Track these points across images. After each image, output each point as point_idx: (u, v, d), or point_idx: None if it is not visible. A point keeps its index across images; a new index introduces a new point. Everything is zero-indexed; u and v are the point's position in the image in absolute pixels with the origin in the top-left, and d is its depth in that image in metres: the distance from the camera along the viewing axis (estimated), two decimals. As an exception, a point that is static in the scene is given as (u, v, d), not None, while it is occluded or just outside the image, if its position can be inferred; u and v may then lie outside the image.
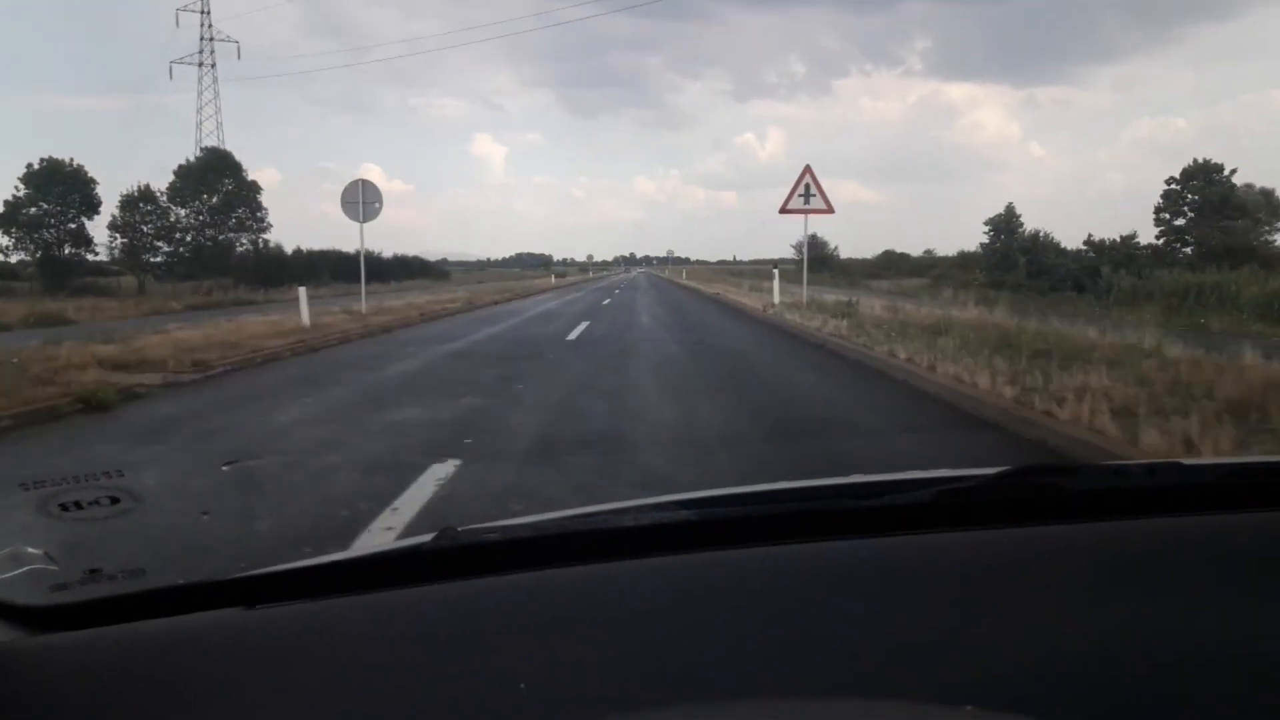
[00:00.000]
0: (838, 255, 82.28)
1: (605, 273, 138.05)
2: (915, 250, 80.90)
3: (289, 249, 49.94)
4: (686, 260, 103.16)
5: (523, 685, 0.71)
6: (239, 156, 45.61)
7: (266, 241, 45.88)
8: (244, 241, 44.35)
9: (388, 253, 60.05)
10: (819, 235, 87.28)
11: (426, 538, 0.95)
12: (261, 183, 46.82)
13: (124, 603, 0.87)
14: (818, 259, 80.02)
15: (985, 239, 39.68)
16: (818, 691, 0.71)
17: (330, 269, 47.00)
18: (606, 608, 0.85)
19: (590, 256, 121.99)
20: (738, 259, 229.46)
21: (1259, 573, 0.91)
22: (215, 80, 60.98)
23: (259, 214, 44.78)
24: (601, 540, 0.99)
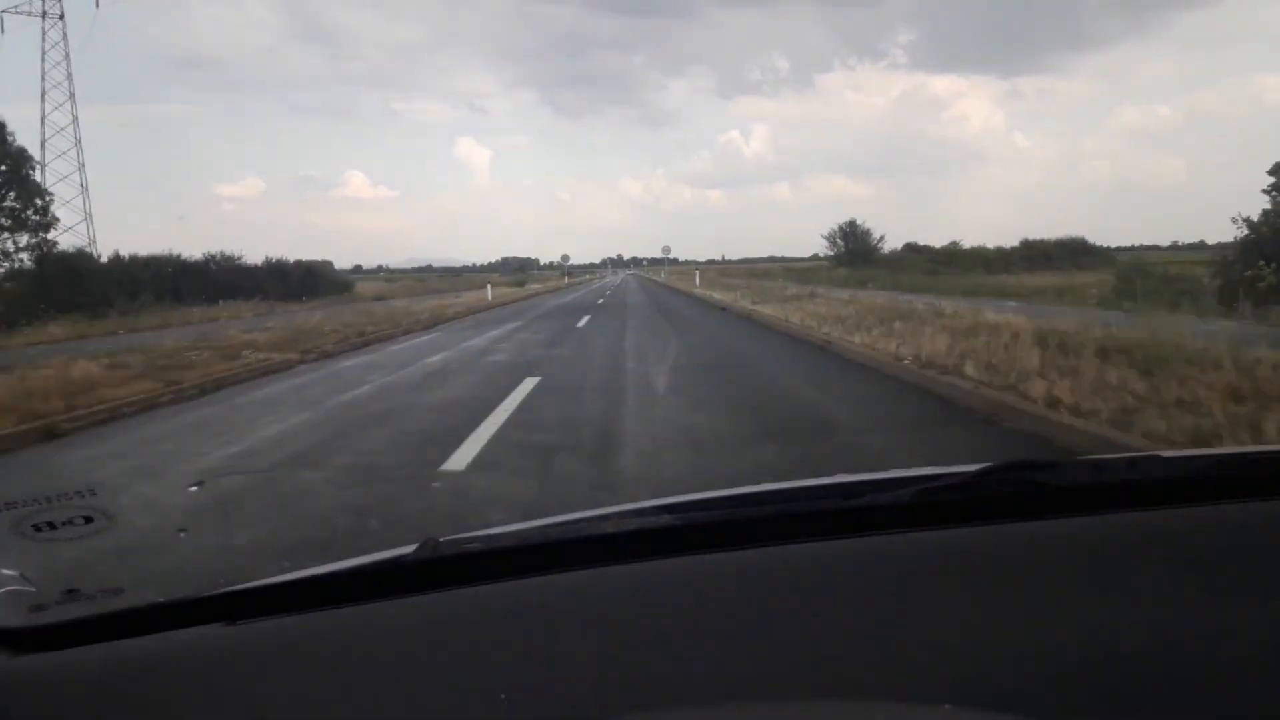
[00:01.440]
0: (881, 249, 62.06)
1: (588, 276, 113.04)
2: (930, 242, 65.91)
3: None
4: (675, 260, 77.25)
5: (503, 696, 0.70)
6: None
7: (53, 244, 29.76)
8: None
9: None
10: (860, 222, 63.46)
11: (408, 549, 0.94)
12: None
13: (103, 622, 0.86)
14: (859, 252, 59.77)
15: (1269, 205, 18.25)
16: (800, 693, 0.71)
17: (162, 282, 32.27)
18: (589, 614, 0.84)
19: (565, 257, 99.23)
20: (726, 259, 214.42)
21: (1241, 564, 0.90)
22: (65, 37, 45.96)
23: (39, 201, 28.68)
24: (583, 547, 0.97)
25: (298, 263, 43.50)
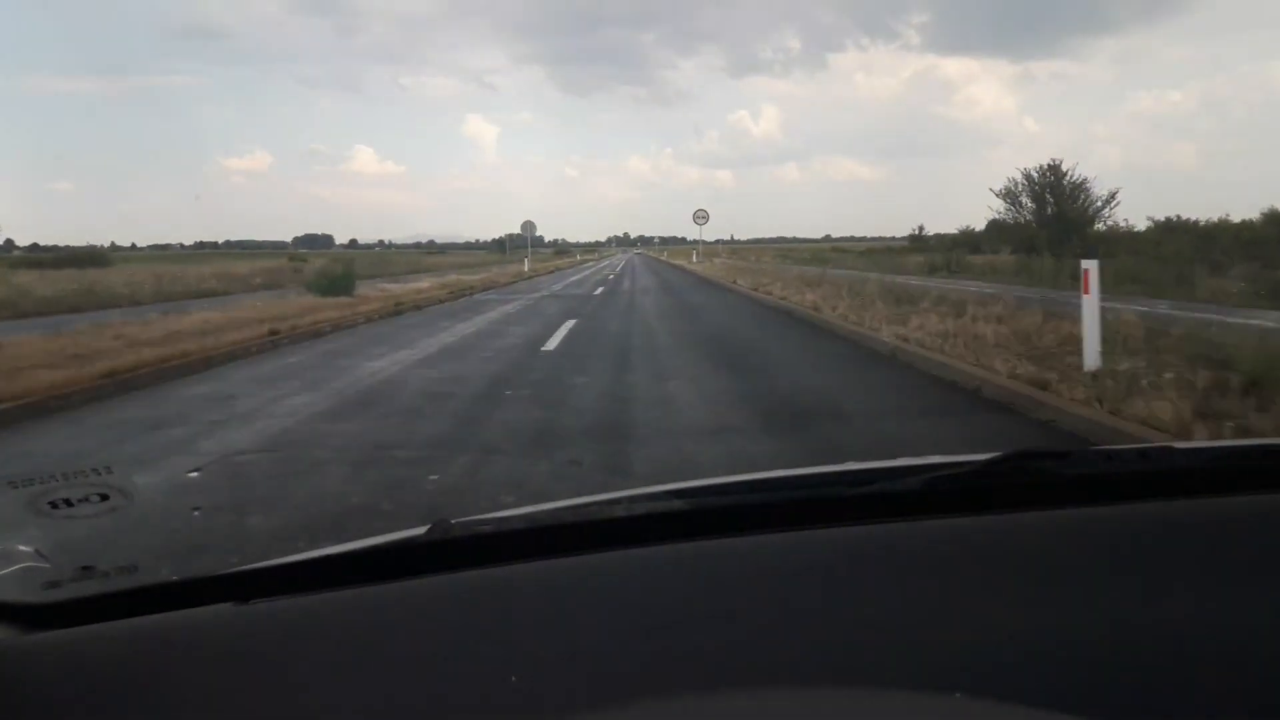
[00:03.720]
0: (1098, 221, 35.16)
1: (581, 257, 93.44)
2: (947, 228, 45.24)
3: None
4: (692, 241, 54.53)
5: (514, 677, 0.71)
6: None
7: None
8: None
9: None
10: (1065, 167, 36.15)
11: (419, 530, 0.95)
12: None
13: (117, 599, 0.87)
14: (1068, 221, 34.28)
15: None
16: (809, 680, 0.72)
17: None
18: (598, 597, 0.85)
19: (530, 225, 45.60)
20: (735, 239, 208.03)
21: (1252, 556, 0.90)
22: None
23: None
24: (594, 530, 0.98)
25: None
